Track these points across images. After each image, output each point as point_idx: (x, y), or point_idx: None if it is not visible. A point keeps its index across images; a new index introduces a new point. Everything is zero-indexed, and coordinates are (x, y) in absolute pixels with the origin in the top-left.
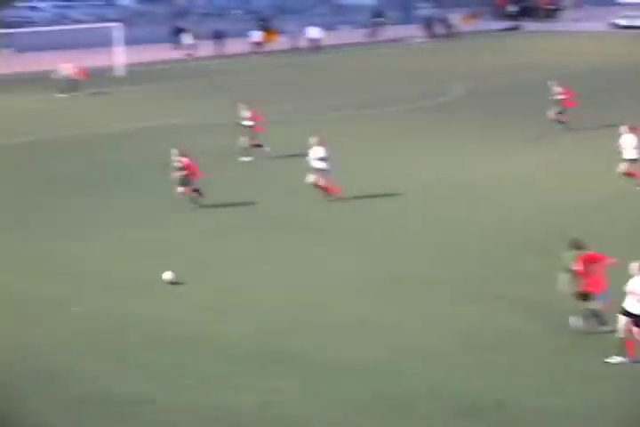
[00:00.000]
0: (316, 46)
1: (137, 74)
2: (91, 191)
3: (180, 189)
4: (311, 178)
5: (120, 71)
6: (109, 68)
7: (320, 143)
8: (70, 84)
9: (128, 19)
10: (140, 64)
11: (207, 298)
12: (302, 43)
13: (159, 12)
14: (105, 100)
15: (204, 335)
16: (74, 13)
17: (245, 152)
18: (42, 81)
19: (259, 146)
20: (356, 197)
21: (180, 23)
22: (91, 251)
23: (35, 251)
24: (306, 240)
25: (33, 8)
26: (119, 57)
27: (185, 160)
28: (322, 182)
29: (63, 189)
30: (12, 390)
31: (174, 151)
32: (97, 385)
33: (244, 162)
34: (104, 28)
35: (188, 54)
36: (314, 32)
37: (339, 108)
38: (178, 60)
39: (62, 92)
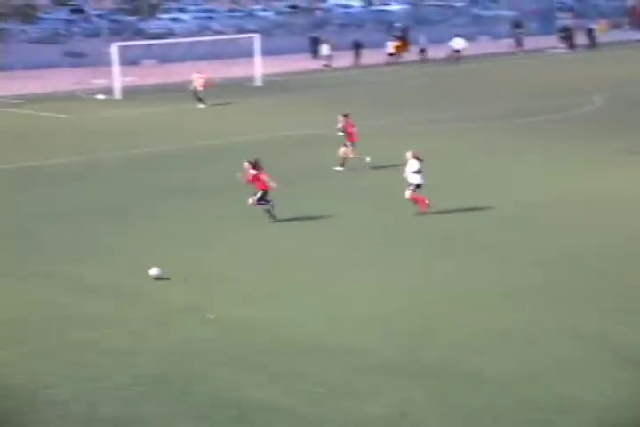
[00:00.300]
0: (457, 57)
1: (274, 84)
2: (223, 198)
3: (251, 200)
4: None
5: (258, 81)
6: (248, 79)
7: (415, 157)
8: (200, 95)
9: (267, 30)
10: (278, 74)
11: (332, 306)
12: (442, 53)
13: (298, 23)
14: (241, 110)
15: (330, 344)
16: (215, 25)
17: (342, 162)
18: (181, 92)
19: (359, 157)
20: (485, 208)
21: (318, 34)
22: (223, 257)
23: (174, 256)
24: (432, 251)
25: (175, 19)
26: (258, 67)
27: (254, 172)
28: (413, 195)
29: (199, 196)
30: (153, 394)
31: (245, 164)
32: (233, 392)
33: (338, 171)
34: (244, 39)
35: (326, 65)
36: (458, 42)
37: (474, 119)
38: (315, 71)
39: (197, 102)
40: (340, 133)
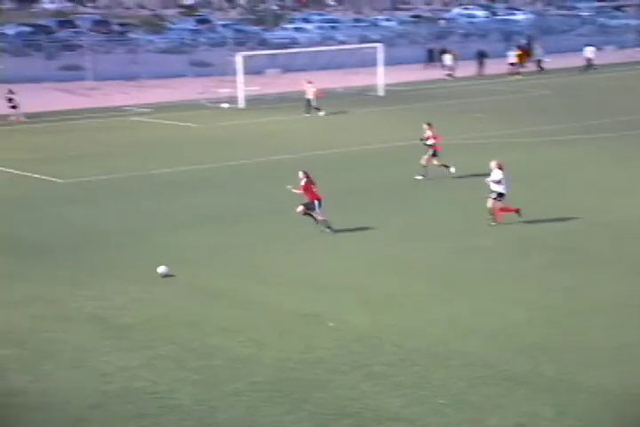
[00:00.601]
0: (588, 65)
1: (396, 94)
2: (344, 206)
3: (300, 208)
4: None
5: (380, 91)
6: (370, 89)
7: (498, 166)
8: (312, 104)
9: (390, 39)
10: (400, 84)
11: (451, 315)
12: (566, 63)
13: (421, 33)
14: (361, 120)
15: (450, 354)
16: (338, 35)
17: (424, 171)
18: (303, 101)
19: (445, 166)
20: (600, 220)
21: (442, 44)
22: (353, 267)
23: (296, 264)
24: (548, 263)
25: (298, 29)
26: (380, 77)
27: (307, 181)
28: (495, 205)
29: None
30: (273, 401)
31: (300, 173)
32: (353, 401)
33: (419, 180)
34: (366, 48)
35: (449, 75)
36: (589, 51)
37: (593, 130)
38: (438, 81)
39: (308, 112)
40: (424, 142)
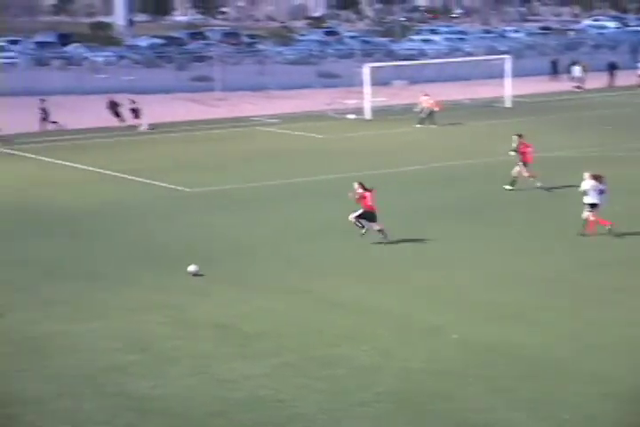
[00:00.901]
0: None
1: (524, 106)
2: (482, 218)
3: (352, 215)
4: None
5: (508, 103)
6: (497, 100)
7: (593, 177)
8: (427, 116)
9: (518, 51)
10: (528, 96)
11: (578, 330)
12: None
13: (549, 45)
14: (487, 132)
15: (576, 369)
16: (465, 46)
17: (512, 182)
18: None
19: (532, 177)
20: None
21: (571, 55)
22: (475, 280)
23: (424, 277)
24: None
25: (426, 41)
26: (508, 89)
27: (361, 191)
28: (589, 216)
29: (438, 217)
30: (396, 413)
31: (355, 183)
32: (477, 414)
33: (508, 190)
34: (494, 60)
35: (578, 86)
36: None
37: None
38: (566, 92)
39: (422, 123)
40: (513, 153)
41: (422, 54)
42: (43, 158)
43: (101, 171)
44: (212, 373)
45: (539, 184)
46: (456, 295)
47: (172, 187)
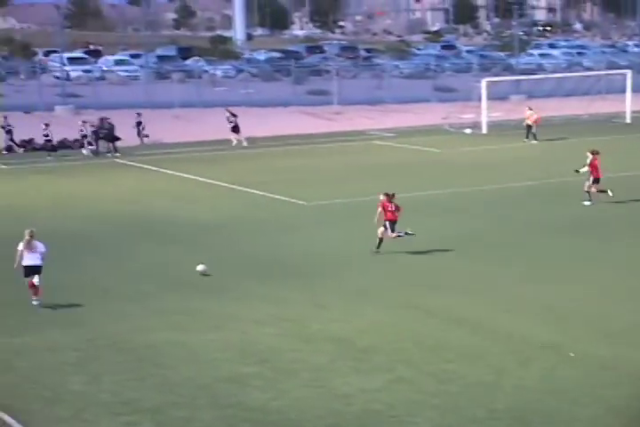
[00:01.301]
0: None
1: None
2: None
3: (390, 234)
4: None
5: (627, 119)
6: (617, 116)
7: None
8: (533, 131)
9: (639, 66)
10: None
11: None
12: None
13: None
14: (606, 148)
15: None
16: (585, 60)
17: (586, 196)
18: (545, 128)
19: (603, 191)
20: None
21: None
22: (588, 295)
23: (539, 293)
24: None
25: (544, 55)
26: (628, 104)
27: (387, 204)
28: None
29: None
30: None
31: (381, 195)
32: None
33: (586, 206)
34: (614, 74)
35: None
36: None
37: None
38: None
39: (530, 138)
40: (585, 169)
41: (540, 69)
42: (152, 168)
43: (219, 183)
44: (327, 386)
45: (610, 194)
46: (570, 311)
47: (291, 200)
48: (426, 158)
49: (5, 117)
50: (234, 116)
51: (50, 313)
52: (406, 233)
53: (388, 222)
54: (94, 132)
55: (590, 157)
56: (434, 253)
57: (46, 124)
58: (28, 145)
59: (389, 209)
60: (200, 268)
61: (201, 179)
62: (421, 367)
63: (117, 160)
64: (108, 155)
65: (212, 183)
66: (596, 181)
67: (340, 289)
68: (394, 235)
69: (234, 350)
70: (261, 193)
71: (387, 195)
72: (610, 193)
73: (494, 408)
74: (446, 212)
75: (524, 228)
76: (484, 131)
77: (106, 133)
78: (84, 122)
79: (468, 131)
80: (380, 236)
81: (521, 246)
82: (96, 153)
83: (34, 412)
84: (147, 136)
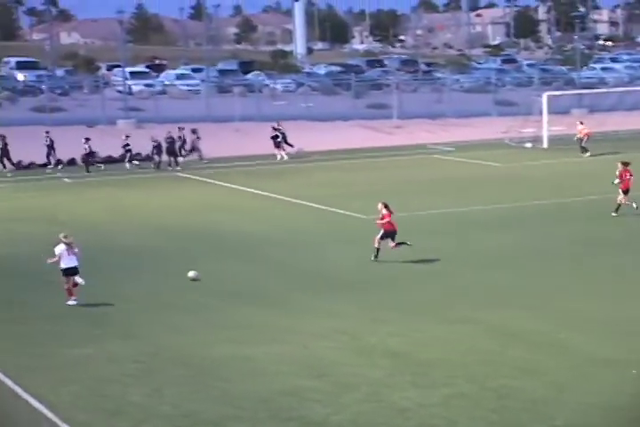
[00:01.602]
0: None
1: None
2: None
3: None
4: None
5: None
6: None
7: None
8: (584, 145)
9: None
10: None
11: None
12: None
13: None
14: None
15: None
16: None
17: (617, 208)
18: (606, 142)
19: (628, 203)
20: None
21: None
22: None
23: (603, 308)
24: None
25: (606, 69)
26: None
27: (385, 213)
28: None
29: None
30: None
31: (380, 204)
32: None
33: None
34: None
35: None
36: None
37: None
38: None
39: (581, 152)
40: (617, 181)
41: (602, 83)
42: (212, 181)
43: (278, 196)
44: (386, 400)
45: (634, 205)
46: (630, 327)
47: (350, 213)
48: (486, 172)
49: (47, 132)
50: (276, 130)
51: (110, 325)
52: (405, 243)
53: (387, 233)
54: (156, 147)
55: (620, 167)
56: (492, 268)
57: (127, 136)
58: (108, 159)
59: (390, 220)
60: (191, 274)
61: (261, 192)
62: (481, 382)
63: (178, 174)
64: (169, 168)
65: (271, 196)
66: (625, 192)
67: (397, 303)
68: (393, 244)
69: (293, 363)
70: (321, 207)
71: (386, 206)
72: (634, 205)
73: (554, 425)
74: (504, 226)
75: (582, 242)
76: (545, 145)
77: (167, 147)
78: (127, 136)
79: (528, 145)
80: (376, 246)
81: (578, 261)
82: (157, 166)
83: (96, 424)
84: (199, 152)
